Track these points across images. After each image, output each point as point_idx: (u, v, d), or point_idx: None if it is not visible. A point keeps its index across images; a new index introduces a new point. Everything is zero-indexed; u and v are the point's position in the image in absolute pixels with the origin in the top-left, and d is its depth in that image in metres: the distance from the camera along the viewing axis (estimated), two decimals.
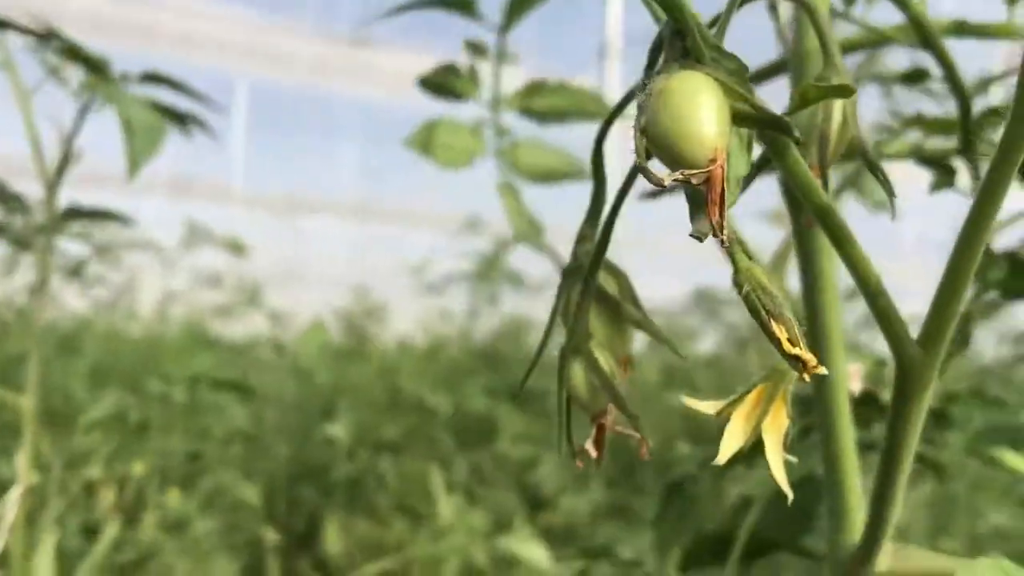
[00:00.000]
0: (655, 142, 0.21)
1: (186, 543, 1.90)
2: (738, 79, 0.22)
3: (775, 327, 0.22)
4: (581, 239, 0.29)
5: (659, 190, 0.22)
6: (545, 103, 0.74)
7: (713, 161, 0.21)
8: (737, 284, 0.23)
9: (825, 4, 0.30)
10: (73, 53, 0.81)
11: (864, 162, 0.28)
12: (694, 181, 0.21)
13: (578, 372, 0.26)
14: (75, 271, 2.22)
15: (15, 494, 1.03)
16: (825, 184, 0.27)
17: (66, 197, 0.96)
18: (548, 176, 0.75)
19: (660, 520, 0.58)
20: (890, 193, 0.28)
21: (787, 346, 0.22)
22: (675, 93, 0.21)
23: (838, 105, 0.28)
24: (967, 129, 0.51)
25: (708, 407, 0.25)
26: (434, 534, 1.72)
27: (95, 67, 0.84)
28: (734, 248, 0.23)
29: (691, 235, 0.22)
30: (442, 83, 0.71)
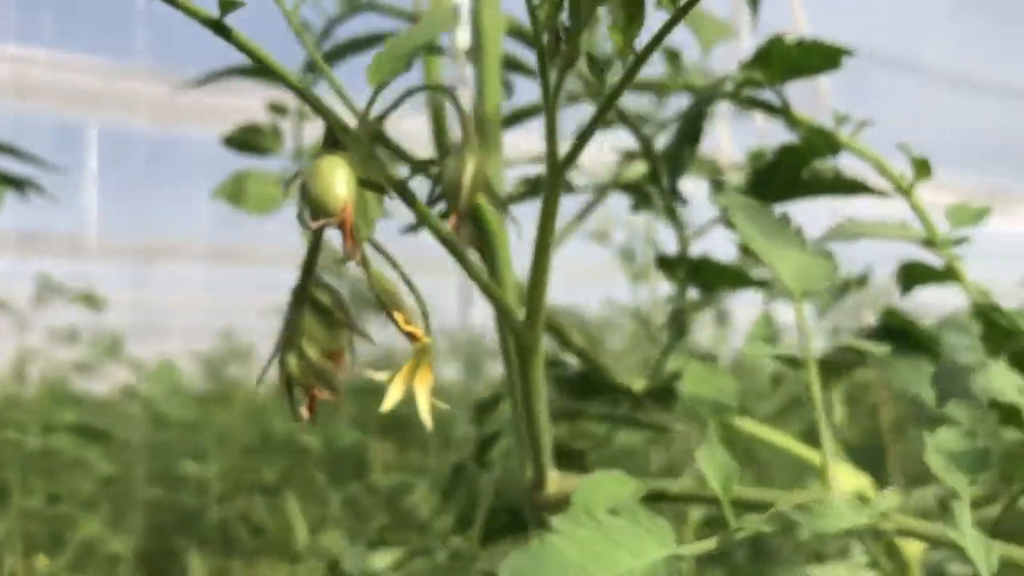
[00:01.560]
0: (309, 201, 0.34)
1: None
2: (367, 159, 0.35)
3: (396, 314, 0.35)
4: (304, 267, 0.41)
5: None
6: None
7: (343, 211, 0.33)
8: (370, 288, 0.35)
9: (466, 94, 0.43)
10: None
11: (494, 203, 0.41)
12: (333, 225, 0.33)
13: (292, 360, 0.38)
14: None
15: None
16: (461, 222, 0.40)
17: None
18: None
19: (450, 498, 0.70)
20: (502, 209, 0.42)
21: (404, 326, 0.35)
22: (320, 169, 0.34)
23: (470, 164, 0.41)
24: (652, 162, 0.66)
25: (382, 376, 0.38)
26: (295, 565, 1.79)
27: None
28: (367, 266, 0.35)
29: (341, 258, 0.34)
30: (246, 140, 0.82)
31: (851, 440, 1.19)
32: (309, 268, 0.39)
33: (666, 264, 0.72)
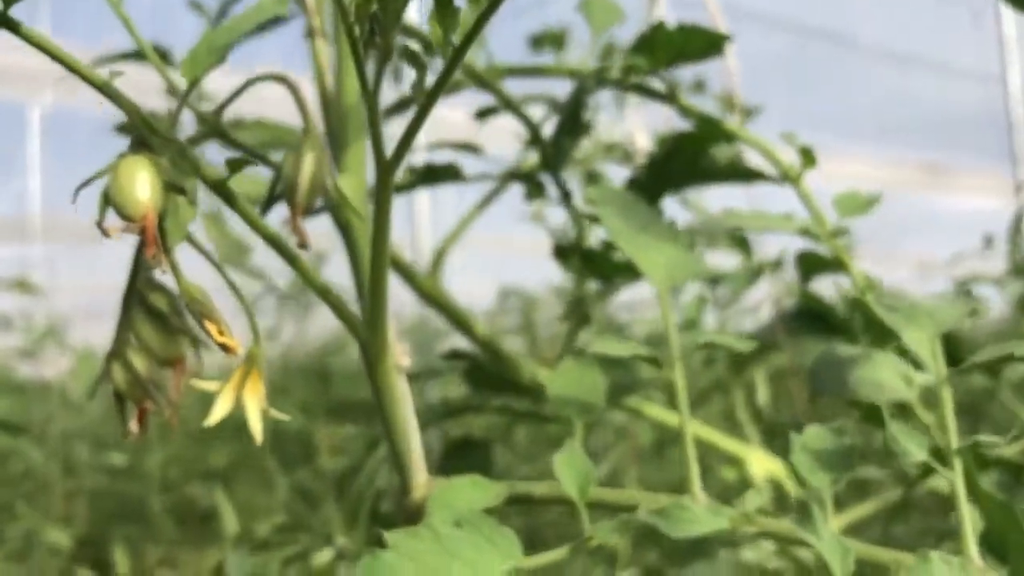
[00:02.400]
0: (111, 204, 0.31)
1: None
2: (177, 159, 0.33)
3: (208, 325, 0.33)
4: (132, 269, 0.39)
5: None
6: (249, 136, 0.83)
7: (145, 217, 0.31)
8: (182, 297, 0.33)
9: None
10: None
11: (325, 204, 0.39)
12: (135, 231, 0.31)
13: (118, 371, 0.36)
14: None
15: None
16: (298, 221, 0.38)
17: None
18: (256, 200, 0.85)
19: (341, 501, 0.68)
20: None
21: (217, 336, 0.33)
22: (120, 172, 0.31)
23: (309, 160, 0.39)
24: (542, 150, 0.64)
25: (211, 385, 0.36)
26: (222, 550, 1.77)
27: None
28: (176, 274, 0.33)
29: (149, 265, 0.32)
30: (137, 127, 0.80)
31: (774, 421, 1.19)
32: (136, 270, 0.37)
33: (561, 253, 0.70)
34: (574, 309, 0.71)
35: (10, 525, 2.20)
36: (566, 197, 0.66)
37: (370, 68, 0.33)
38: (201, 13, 0.82)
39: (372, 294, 0.37)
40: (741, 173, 0.64)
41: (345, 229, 0.46)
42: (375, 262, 0.37)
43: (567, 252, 0.69)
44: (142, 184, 0.31)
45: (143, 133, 0.33)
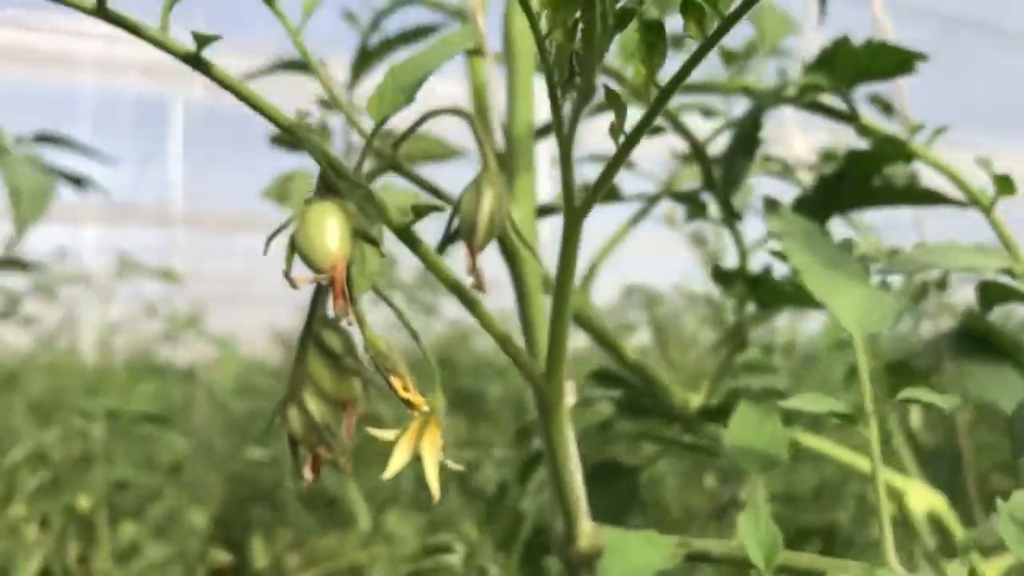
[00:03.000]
0: (299, 253, 0.30)
1: (139, 570, 1.96)
2: (365, 205, 0.31)
3: (393, 380, 0.31)
4: (310, 310, 0.38)
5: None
6: (407, 148, 0.83)
7: (334, 268, 0.30)
8: (366, 350, 0.32)
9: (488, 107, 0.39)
10: None
11: (499, 245, 0.37)
12: (323, 282, 0.30)
13: (294, 416, 0.35)
14: (8, 310, 2.27)
15: None
16: (476, 262, 0.37)
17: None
18: (404, 212, 0.85)
19: (491, 520, 0.67)
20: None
21: (402, 392, 0.31)
22: (309, 220, 0.30)
23: (488, 198, 0.37)
24: (706, 169, 0.61)
25: (388, 434, 0.35)
26: (359, 543, 1.80)
27: None
28: (362, 326, 0.32)
29: (330, 316, 0.31)
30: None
31: (927, 444, 1.13)
32: (314, 311, 0.36)
33: (722, 278, 0.67)
34: (734, 335, 0.68)
35: (154, 504, 2.30)
36: (733, 218, 0.63)
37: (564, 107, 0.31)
38: (354, 25, 0.81)
39: (552, 341, 0.35)
40: (920, 195, 0.59)
41: (512, 260, 0.45)
42: (557, 309, 0.35)
43: (729, 277, 0.66)
44: (332, 233, 0.30)
45: (330, 178, 0.31)
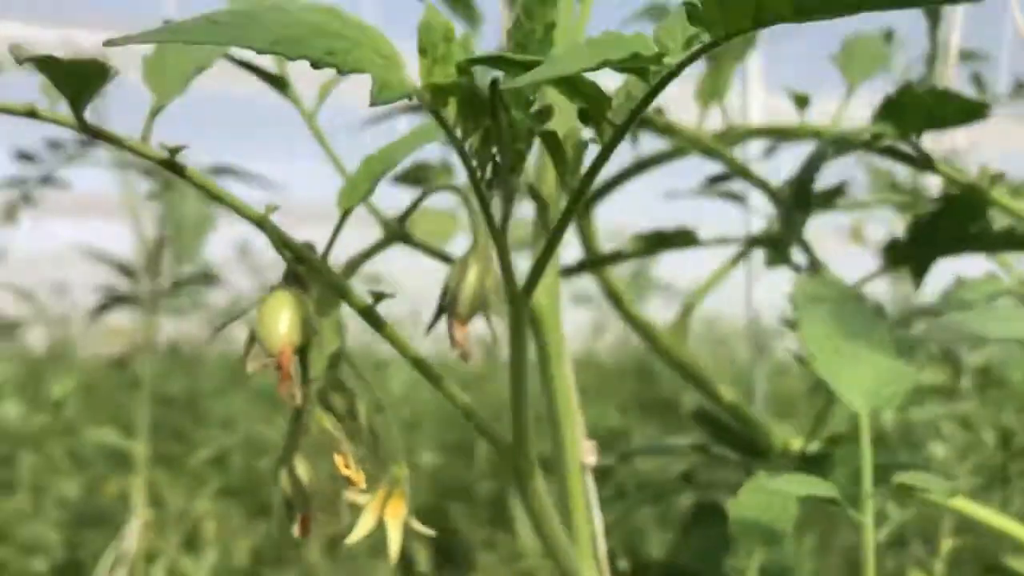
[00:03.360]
0: (256, 337, 0.34)
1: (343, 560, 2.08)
2: (326, 291, 0.34)
3: (336, 457, 0.34)
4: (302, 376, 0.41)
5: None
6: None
7: (282, 353, 0.33)
8: (315, 431, 0.35)
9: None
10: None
11: (484, 316, 0.39)
12: (272, 366, 0.33)
13: (285, 479, 0.39)
14: (234, 311, 2.48)
15: (134, 527, 1.23)
16: (459, 333, 0.39)
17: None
18: (520, 243, 0.88)
19: None
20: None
21: (343, 469, 0.34)
22: (265, 308, 0.34)
23: (473, 272, 0.39)
24: (782, 214, 0.59)
25: (361, 499, 0.37)
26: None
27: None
28: (310, 407, 0.35)
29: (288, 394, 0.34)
30: (416, 177, 0.84)
31: None
32: (305, 374, 0.39)
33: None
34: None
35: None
36: (814, 266, 0.61)
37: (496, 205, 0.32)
38: None
39: (515, 415, 0.37)
40: (1020, 242, 0.55)
41: (537, 330, 0.46)
42: (515, 386, 0.36)
43: None
44: (283, 321, 0.33)
45: (293, 268, 0.35)
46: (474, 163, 0.31)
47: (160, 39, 0.26)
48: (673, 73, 0.26)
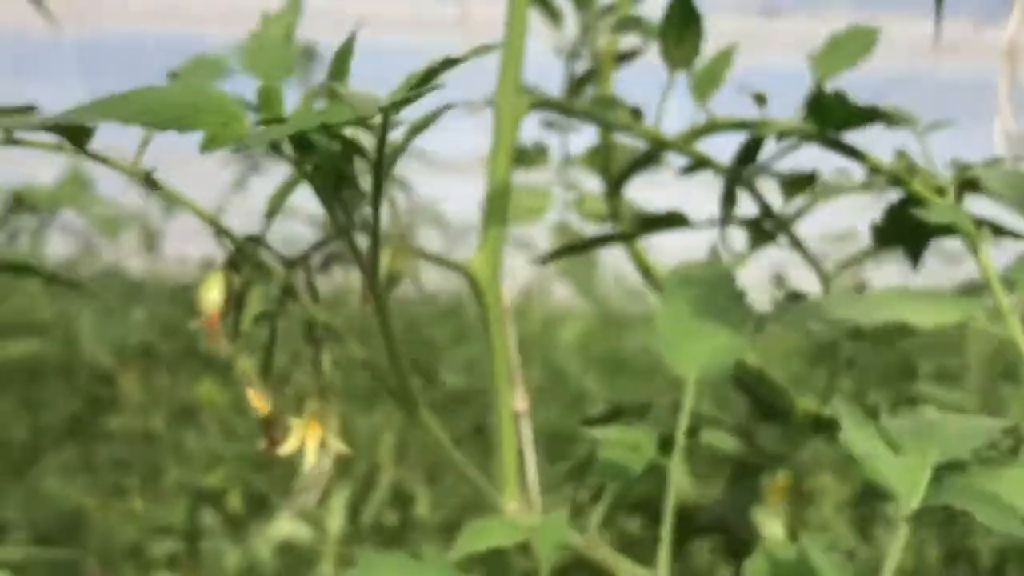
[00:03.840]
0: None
1: None
2: (254, 273, 0.48)
3: (248, 390, 0.48)
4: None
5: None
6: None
7: (210, 316, 0.47)
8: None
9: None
10: None
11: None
12: (202, 324, 0.47)
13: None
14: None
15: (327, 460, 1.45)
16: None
17: None
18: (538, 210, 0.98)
19: None
20: None
21: (253, 400, 0.47)
22: (202, 283, 0.48)
23: (392, 250, 0.51)
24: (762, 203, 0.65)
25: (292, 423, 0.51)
26: None
27: None
28: (237, 353, 0.48)
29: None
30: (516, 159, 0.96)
31: None
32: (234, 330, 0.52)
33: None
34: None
35: None
36: (797, 245, 0.66)
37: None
38: None
39: (391, 358, 0.49)
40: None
41: (480, 297, 0.57)
42: (387, 340, 0.48)
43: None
44: (213, 291, 0.47)
45: (233, 256, 0.48)
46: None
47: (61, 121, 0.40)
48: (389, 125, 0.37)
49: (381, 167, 0.40)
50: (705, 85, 0.68)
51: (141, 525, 1.72)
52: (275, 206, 0.50)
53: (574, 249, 0.77)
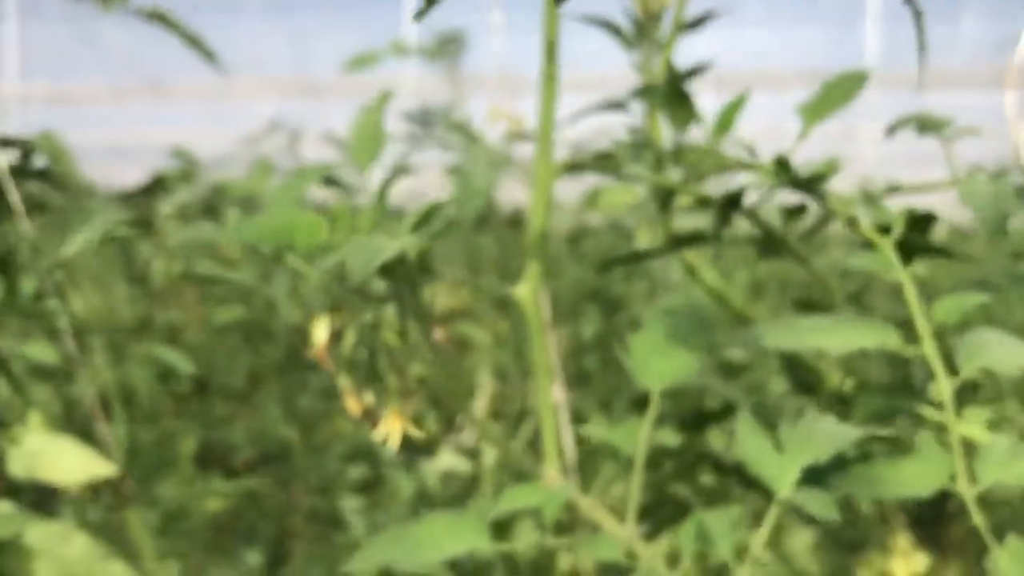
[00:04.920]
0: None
1: None
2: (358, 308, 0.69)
3: (347, 396, 0.69)
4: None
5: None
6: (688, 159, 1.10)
7: (319, 348, 0.69)
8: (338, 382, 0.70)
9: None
10: None
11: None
12: (316, 354, 0.69)
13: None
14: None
15: (482, 398, 1.69)
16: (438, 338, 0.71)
17: None
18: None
19: None
20: None
21: (348, 404, 0.69)
22: (314, 321, 0.69)
23: (445, 293, 0.71)
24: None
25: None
26: None
27: None
28: (337, 372, 0.70)
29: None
30: (598, 167, 1.12)
31: None
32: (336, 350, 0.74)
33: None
34: None
35: None
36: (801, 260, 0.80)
37: None
38: None
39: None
40: None
41: (523, 316, 0.76)
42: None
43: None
44: (321, 329, 0.68)
45: (335, 302, 0.69)
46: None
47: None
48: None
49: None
50: (721, 128, 0.83)
51: (336, 452, 2.03)
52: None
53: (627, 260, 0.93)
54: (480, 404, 1.57)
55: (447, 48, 1.91)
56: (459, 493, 1.84)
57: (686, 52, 0.99)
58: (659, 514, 0.73)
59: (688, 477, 0.81)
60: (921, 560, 1.15)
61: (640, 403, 0.77)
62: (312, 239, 0.60)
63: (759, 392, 0.99)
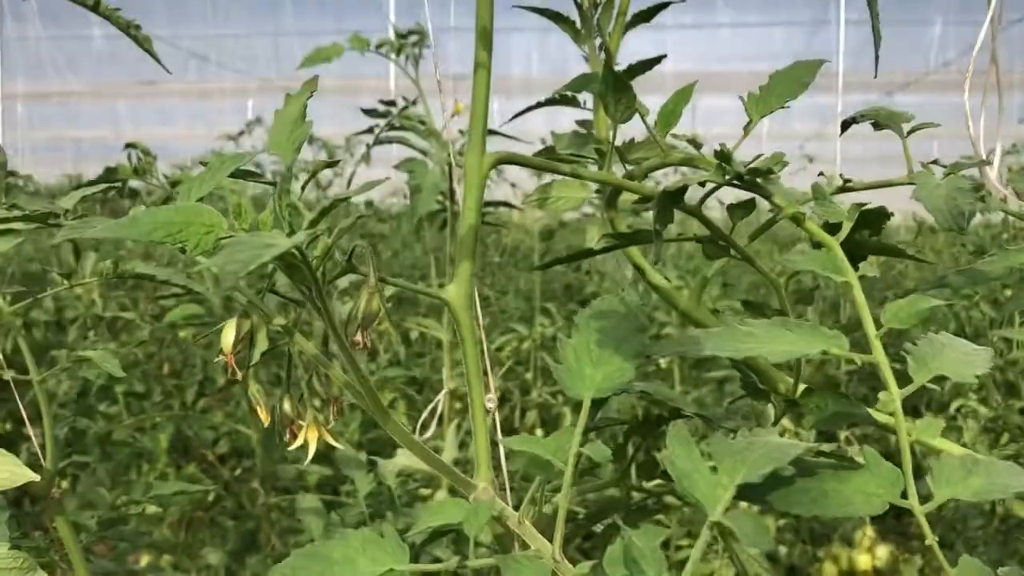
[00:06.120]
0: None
1: None
2: (261, 319, 0.64)
3: (259, 409, 0.64)
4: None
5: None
6: (636, 155, 1.06)
7: (228, 354, 0.64)
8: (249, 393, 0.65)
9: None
10: None
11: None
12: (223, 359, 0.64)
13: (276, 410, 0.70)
14: None
15: (441, 395, 1.65)
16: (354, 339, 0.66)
17: None
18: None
19: None
20: None
21: (262, 415, 0.64)
22: (224, 326, 0.64)
23: (364, 294, 0.66)
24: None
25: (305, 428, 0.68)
26: None
27: None
28: (246, 380, 0.65)
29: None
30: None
31: None
32: (247, 361, 0.70)
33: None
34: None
35: None
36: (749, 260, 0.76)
37: None
38: None
39: (368, 393, 0.64)
40: None
41: (455, 320, 0.71)
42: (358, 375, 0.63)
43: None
44: (229, 335, 0.63)
45: (246, 308, 0.64)
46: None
47: (75, 235, 0.56)
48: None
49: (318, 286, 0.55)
50: (665, 121, 0.78)
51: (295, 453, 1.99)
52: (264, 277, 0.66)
53: (569, 259, 0.89)
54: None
55: (410, 46, 1.86)
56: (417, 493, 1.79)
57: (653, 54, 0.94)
58: (595, 529, 0.69)
59: (627, 487, 0.76)
60: (883, 551, 1.10)
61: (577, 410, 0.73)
62: (207, 236, 0.55)
63: (721, 395, 0.94)
